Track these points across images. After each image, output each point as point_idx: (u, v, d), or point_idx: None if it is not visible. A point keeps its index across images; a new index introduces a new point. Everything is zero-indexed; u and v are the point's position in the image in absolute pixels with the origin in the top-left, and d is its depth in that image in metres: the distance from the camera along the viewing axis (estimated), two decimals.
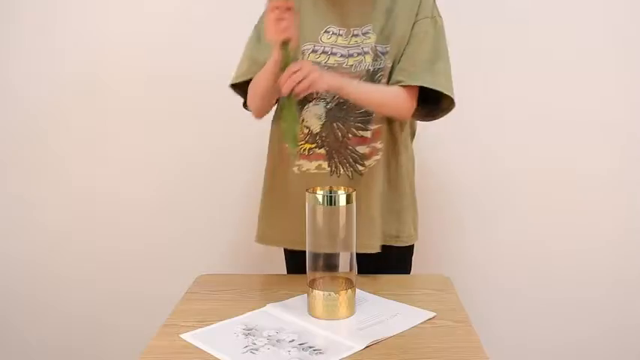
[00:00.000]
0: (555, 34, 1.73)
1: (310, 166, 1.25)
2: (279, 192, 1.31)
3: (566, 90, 1.75)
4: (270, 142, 1.35)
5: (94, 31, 1.77)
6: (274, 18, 1.07)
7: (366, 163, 1.25)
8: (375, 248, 1.27)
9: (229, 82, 1.29)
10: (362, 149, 1.24)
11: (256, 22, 1.31)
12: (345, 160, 1.23)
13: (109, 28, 1.77)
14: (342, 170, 1.25)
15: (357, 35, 1.23)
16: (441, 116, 1.30)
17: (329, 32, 1.20)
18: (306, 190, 1.05)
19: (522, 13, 1.72)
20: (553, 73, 1.74)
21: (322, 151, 1.15)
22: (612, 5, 1.71)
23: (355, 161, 1.25)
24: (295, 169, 1.24)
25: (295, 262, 1.32)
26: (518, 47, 1.73)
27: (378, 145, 1.26)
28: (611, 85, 1.75)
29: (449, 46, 1.26)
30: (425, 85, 1.20)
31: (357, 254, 1.32)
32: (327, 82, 1.12)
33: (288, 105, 1.08)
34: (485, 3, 1.73)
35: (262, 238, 1.35)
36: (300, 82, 1.06)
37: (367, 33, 1.24)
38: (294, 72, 1.07)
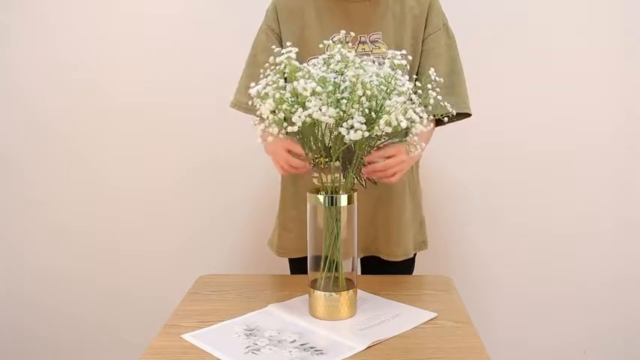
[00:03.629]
0: (554, 32, 1.73)
1: (326, 178, 1.24)
2: (297, 205, 1.30)
3: (565, 89, 1.75)
4: None
5: (100, 31, 1.77)
6: (287, 160, 1.09)
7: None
8: (399, 256, 1.31)
9: (230, 103, 1.27)
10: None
11: (254, 40, 1.30)
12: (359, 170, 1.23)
13: (114, 29, 1.77)
14: (355, 181, 1.24)
15: (364, 42, 1.22)
16: (447, 123, 1.29)
17: (324, 43, 1.19)
18: (308, 190, 1.05)
19: (521, 9, 1.73)
20: (552, 73, 1.74)
21: (337, 163, 1.15)
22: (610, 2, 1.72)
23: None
24: (315, 180, 1.23)
25: (299, 267, 1.32)
26: (518, 46, 1.73)
27: None
28: (611, 82, 1.74)
29: None
30: (452, 111, 1.18)
31: (368, 261, 1.35)
32: (407, 167, 1.14)
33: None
34: (485, 2, 1.73)
35: (284, 251, 1.35)
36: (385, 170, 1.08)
37: (376, 41, 1.22)
38: (389, 157, 1.08)
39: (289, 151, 1.09)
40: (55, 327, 1.91)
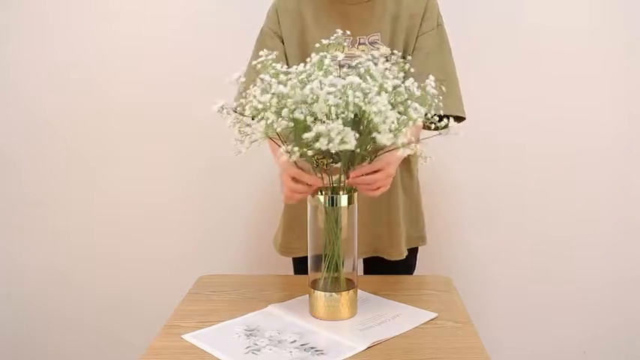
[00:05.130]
0: (555, 32, 1.73)
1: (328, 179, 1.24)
2: (301, 204, 1.29)
3: (564, 90, 1.75)
4: None
5: (99, 33, 1.77)
6: (293, 189, 1.04)
7: None
8: (403, 254, 1.30)
9: (235, 103, 1.26)
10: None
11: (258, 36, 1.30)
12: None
13: (114, 31, 1.77)
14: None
15: (363, 44, 1.22)
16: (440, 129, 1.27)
17: (321, 43, 1.19)
18: None
19: (522, 8, 1.73)
20: (553, 74, 1.74)
21: (339, 165, 1.14)
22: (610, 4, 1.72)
23: None
24: None
25: (303, 266, 1.32)
26: (519, 46, 1.73)
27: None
28: (610, 83, 1.74)
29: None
30: (438, 113, 1.12)
31: (370, 258, 1.34)
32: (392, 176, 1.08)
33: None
34: (486, 2, 1.73)
35: (288, 250, 1.36)
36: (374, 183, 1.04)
37: (375, 42, 1.22)
38: (376, 171, 1.03)
39: (295, 179, 1.04)
40: (56, 328, 1.91)
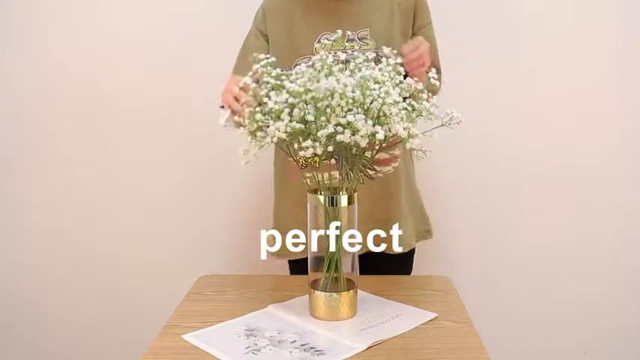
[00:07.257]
0: (553, 32, 1.73)
1: (321, 176, 1.24)
2: (291, 204, 1.29)
3: (561, 91, 1.75)
4: (275, 156, 1.35)
5: (96, 30, 1.77)
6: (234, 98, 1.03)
7: (381, 168, 1.25)
8: (411, 245, 1.31)
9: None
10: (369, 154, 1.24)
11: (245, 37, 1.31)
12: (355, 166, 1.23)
13: (111, 28, 1.77)
14: (352, 176, 1.24)
15: (352, 40, 1.22)
16: None
17: (321, 42, 1.19)
18: (308, 190, 1.05)
19: (518, 5, 1.73)
20: (549, 70, 1.74)
21: (332, 161, 1.14)
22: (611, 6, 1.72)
23: (365, 166, 1.24)
24: (308, 181, 1.21)
25: (298, 268, 1.32)
26: (516, 47, 1.73)
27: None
28: (606, 84, 1.74)
29: (446, 49, 1.28)
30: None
31: (364, 256, 1.33)
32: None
33: None
34: (486, 3, 1.73)
35: (282, 253, 1.34)
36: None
37: (364, 38, 1.23)
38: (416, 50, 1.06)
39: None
40: (55, 329, 1.91)
